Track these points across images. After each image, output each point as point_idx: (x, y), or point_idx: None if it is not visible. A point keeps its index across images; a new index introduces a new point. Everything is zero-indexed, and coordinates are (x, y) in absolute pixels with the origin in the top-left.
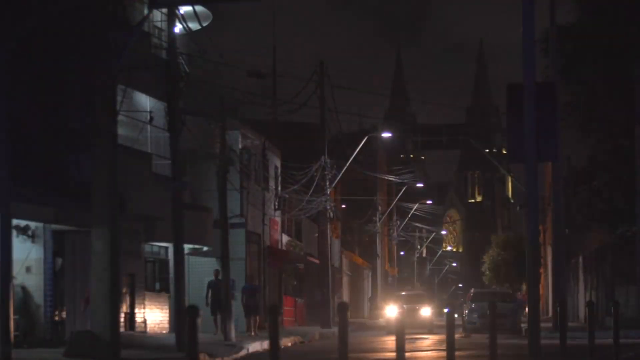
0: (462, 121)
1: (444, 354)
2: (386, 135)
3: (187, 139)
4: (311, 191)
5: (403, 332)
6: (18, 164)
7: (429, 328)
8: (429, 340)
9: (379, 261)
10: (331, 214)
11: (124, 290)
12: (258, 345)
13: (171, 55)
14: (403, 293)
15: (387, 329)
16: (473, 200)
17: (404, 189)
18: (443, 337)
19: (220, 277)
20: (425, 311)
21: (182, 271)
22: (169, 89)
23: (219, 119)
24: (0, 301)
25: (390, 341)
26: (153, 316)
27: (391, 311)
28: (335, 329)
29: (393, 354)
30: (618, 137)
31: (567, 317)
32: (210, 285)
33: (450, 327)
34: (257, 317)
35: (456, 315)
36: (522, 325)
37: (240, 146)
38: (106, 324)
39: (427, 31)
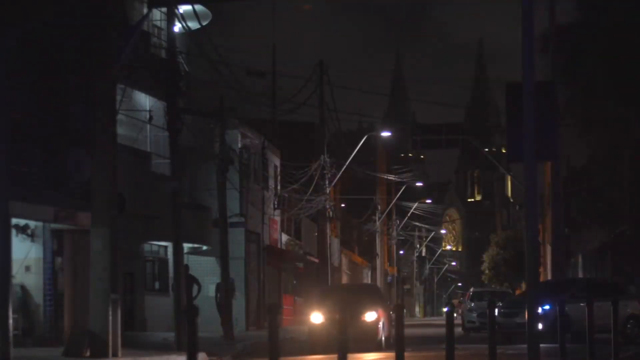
0: (461, 120)
1: None
2: (385, 134)
3: (187, 138)
4: (310, 190)
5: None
6: (17, 163)
7: (376, 341)
8: None
9: (378, 260)
10: (330, 213)
11: (124, 289)
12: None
13: (171, 55)
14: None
15: (310, 343)
16: (472, 200)
17: (404, 188)
18: None
19: (190, 272)
20: (371, 316)
21: (181, 270)
22: (169, 88)
23: (218, 118)
24: (0, 300)
25: None
26: (152, 315)
27: (316, 318)
28: None
29: None
30: (617, 136)
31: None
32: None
33: (449, 327)
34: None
35: (455, 315)
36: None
37: (239, 145)
38: (105, 322)
39: (426, 30)
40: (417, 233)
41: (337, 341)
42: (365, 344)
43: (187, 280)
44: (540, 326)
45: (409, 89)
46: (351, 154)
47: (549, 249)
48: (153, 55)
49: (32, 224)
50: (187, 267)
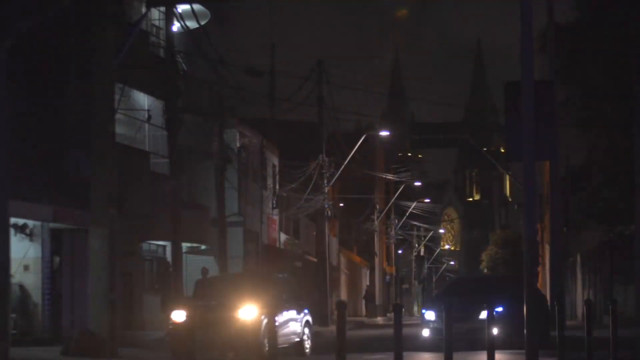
0: (460, 120)
1: None
2: (384, 133)
3: (185, 138)
4: (309, 190)
5: None
6: (16, 162)
7: (256, 347)
8: None
9: (376, 260)
10: (329, 213)
11: (122, 288)
12: None
13: (169, 54)
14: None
15: (170, 346)
16: (471, 199)
17: (402, 187)
18: None
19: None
20: (249, 312)
21: (180, 270)
22: (167, 87)
23: (217, 117)
24: None
25: None
26: (151, 314)
27: (178, 315)
28: (332, 327)
29: None
30: (616, 135)
31: (565, 315)
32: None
33: (448, 325)
34: None
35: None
36: None
37: (238, 144)
38: (104, 322)
39: (425, 30)
40: (415, 232)
41: (201, 345)
42: (243, 349)
43: (166, 278)
44: (427, 333)
45: (407, 88)
46: (350, 153)
47: (547, 248)
48: (152, 55)
49: (30, 223)
50: (167, 263)
